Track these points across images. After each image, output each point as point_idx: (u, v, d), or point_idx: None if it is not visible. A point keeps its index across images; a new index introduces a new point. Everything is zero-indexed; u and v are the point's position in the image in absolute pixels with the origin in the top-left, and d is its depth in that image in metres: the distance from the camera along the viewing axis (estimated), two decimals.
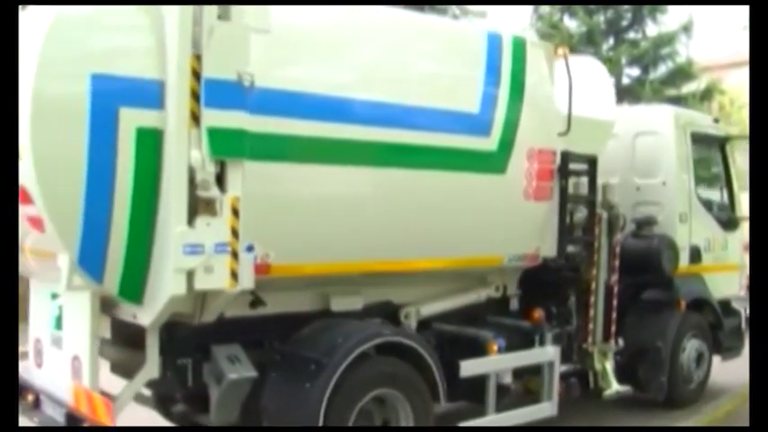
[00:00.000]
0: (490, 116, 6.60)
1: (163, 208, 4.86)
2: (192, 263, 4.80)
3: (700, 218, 9.06)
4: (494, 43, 6.78)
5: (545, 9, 22.76)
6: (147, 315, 5.07)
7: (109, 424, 4.92)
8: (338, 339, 5.71)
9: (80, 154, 4.67)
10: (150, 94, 4.84)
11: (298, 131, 5.50)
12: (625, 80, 22.27)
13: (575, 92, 7.18)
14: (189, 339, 5.59)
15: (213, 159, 4.86)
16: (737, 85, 26.36)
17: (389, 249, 6.15)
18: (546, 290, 7.63)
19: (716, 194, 9.74)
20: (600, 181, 7.74)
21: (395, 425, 6.01)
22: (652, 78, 22.19)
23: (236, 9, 4.91)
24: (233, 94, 4.90)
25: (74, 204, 4.69)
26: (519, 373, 7.08)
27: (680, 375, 8.68)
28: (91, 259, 4.80)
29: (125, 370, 5.76)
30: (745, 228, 9.58)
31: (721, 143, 9.73)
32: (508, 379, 6.91)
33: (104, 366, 5.75)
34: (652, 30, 22.80)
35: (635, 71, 22.84)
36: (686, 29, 22.19)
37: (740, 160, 9.69)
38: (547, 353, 7.18)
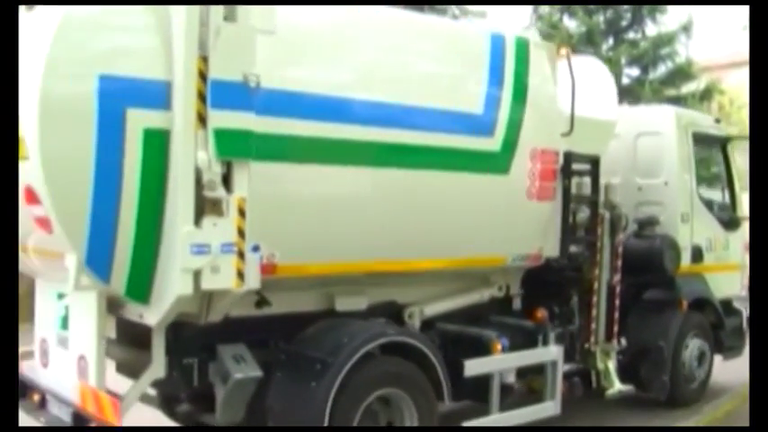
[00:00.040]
0: (493, 116, 6.63)
1: (170, 208, 4.88)
2: (199, 263, 4.82)
3: (701, 218, 9.09)
4: (497, 44, 6.81)
5: (544, 9, 22.75)
6: (153, 315, 5.09)
7: (116, 423, 4.94)
8: (343, 339, 5.73)
9: (88, 154, 4.69)
10: (157, 95, 4.86)
11: (303, 132, 5.53)
12: (624, 80, 22.24)
13: (577, 92, 7.21)
14: (195, 339, 5.61)
15: (219, 160, 4.88)
16: (737, 86, 26.40)
17: (393, 249, 6.17)
18: (548, 290, 7.66)
19: (717, 194, 9.78)
20: (602, 181, 7.77)
21: (399, 425, 6.03)
22: (651, 78, 22.18)
23: (242, 10, 4.92)
24: (239, 95, 4.92)
25: (81, 205, 4.71)
26: (522, 373, 7.11)
27: (682, 375, 8.71)
28: (98, 259, 4.82)
29: (130, 370, 5.78)
30: (746, 227, 9.60)
31: (723, 143, 9.76)
32: (512, 378, 6.93)
33: (110, 366, 5.75)
34: (651, 30, 22.82)
35: (634, 71, 22.84)
36: (686, 29, 22.19)
37: (740, 160, 9.71)
38: (550, 352, 7.21)
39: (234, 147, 4.93)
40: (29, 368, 6.14)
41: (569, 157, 7.24)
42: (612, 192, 8.00)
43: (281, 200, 5.46)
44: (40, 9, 5.24)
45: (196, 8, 4.82)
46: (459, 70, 6.66)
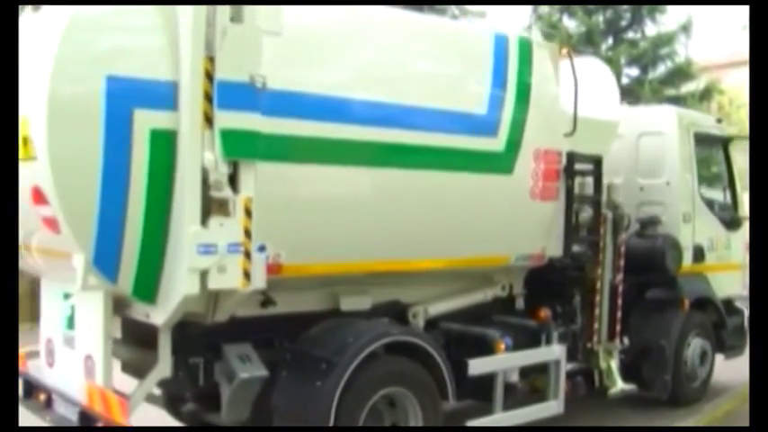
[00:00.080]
0: (497, 117, 6.66)
1: (176, 208, 4.90)
2: (206, 263, 4.84)
3: (703, 217, 9.12)
4: (500, 44, 6.84)
5: (544, 9, 22.77)
6: (160, 315, 5.11)
7: (124, 423, 4.96)
8: (349, 338, 5.75)
9: (95, 155, 4.70)
10: (164, 96, 4.88)
11: (308, 132, 5.54)
12: (624, 80, 22.25)
13: (580, 92, 7.23)
14: (200, 339, 5.63)
15: (226, 160, 4.91)
16: (736, 85, 26.44)
17: (398, 249, 6.19)
18: (551, 289, 7.69)
19: (719, 194, 9.79)
20: (605, 181, 7.79)
21: (404, 425, 6.06)
22: (651, 78, 22.20)
23: (248, 11, 4.94)
24: (245, 95, 4.95)
25: (89, 205, 4.72)
26: (525, 372, 7.13)
27: (684, 374, 8.73)
28: (105, 259, 4.84)
29: (136, 369, 5.80)
30: (747, 227, 9.63)
31: (724, 143, 9.79)
32: (515, 377, 6.96)
33: (115, 366, 5.75)
34: (651, 30, 22.85)
35: (634, 71, 22.86)
36: (685, 29, 22.21)
37: (740, 160, 9.74)
38: (553, 351, 7.23)
39: (240, 147, 4.96)
40: (34, 368, 6.16)
41: (572, 158, 7.26)
42: (615, 192, 8.04)
43: (287, 200, 5.48)
44: (46, 9, 5.27)
45: (203, 8, 4.84)
46: (463, 71, 6.67)
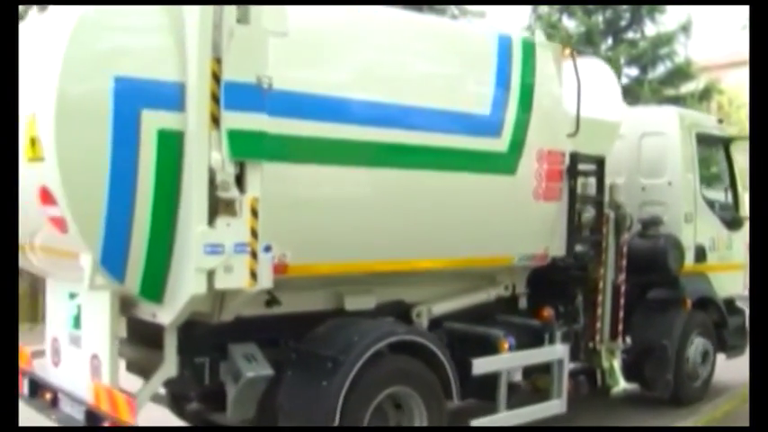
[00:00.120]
0: (501, 117, 6.68)
1: (184, 208, 4.92)
2: (213, 262, 4.86)
3: (705, 217, 9.15)
4: (504, 46, 6.86)
5: (544, 9, 22.78)
6: (167, 314, 5.13)
7: (132, 422, 4.97)
8: (354, 337, 5.77)
9: (103, 155, 4.72)
10: (171, 97, 4.89)
11: (314, 133, 5.57)
12: (624, 80, 22.26)
13: (582, 93, 7.26)
14: (206, 338, 5.65)
15: (233, 161, 4.92)
16: (736, 85, 26.49)
17: (402, 249, 6.22)
18: (554, 289, 7.71)
19: (720, 194, 9.83)
20: (607, 181, 7.82)
21: (408, 425, 6.09)
22: (651, 78, 22.22)
23: (254, 12, 4.96)
24: (252, 96, 4.96)
25: (97, 205, 4.74)
26: (527, 372, 7.16)
27: (685, 373, 8.77)
28: (113, 259, 4.86)
29: (141, 369, 5.83)
30: (748, 227, 9.66)
31: (725, 144, 9.82)
32: (518, 377, 7.00)
33: (120, 365, 5.79)
34: (651, 30, 22.87)
35: (633, 71, 22.88)
36: (685, 29, 22.23)
37: (741, 160, 9.77)
38: (556, 351, 7.27)
39: (247, 147, 4.98)
40: (40, 367, 6.18)
41: (575, 158, 7.29)
42: (617, 192, 8.07)
43: (292, 200, 5.50)
44: (53, 9, 5.29)
45: (210, 8, 4.86)
46: (467, 72, 6.70)
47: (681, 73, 22.44)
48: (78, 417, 5.49)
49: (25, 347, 6.33)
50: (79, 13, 4.77)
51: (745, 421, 6.03)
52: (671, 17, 23.14)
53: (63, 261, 5.26)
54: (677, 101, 20.27)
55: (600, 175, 7.69)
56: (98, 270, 4.86)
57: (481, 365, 6.54)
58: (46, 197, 4.86)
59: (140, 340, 5.80)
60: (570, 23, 22.75)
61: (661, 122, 9.05)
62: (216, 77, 4.89)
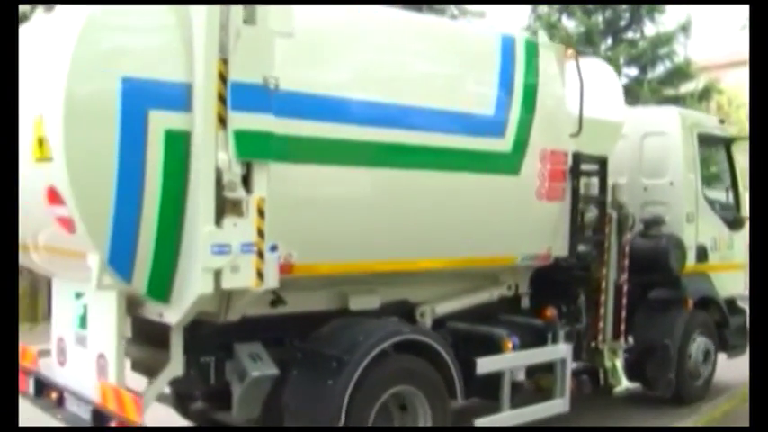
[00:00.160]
0: (504, 118, 6.70)
1: (191, 209, 4.93)
2: (220, 262, 4.87)
3: (706, 217, 9.18)
4: (507, 46, 6.88)
5: (543, 9, 22.82)
6: (173, 314, 5.14)
7: (139, 421, 4.98)
8: (359, 337, 5.79)
9: (111, 155, 4.73)
10: (178, 97, 4.91)
11: (319, 133, 5.58)
12: (623, 80, 22.30)
13: (585, 93, 7.28)
14: (212, 338, 5.67)
15: (239, 161, 4.94)
16: (735, 85, 26.53)
17: (407, 249, 6.24)
18: (556, 289, 7.74)
19: (721, 194, 9.85)
20: (609, 181, 7.84)
21: (413, 425, 6.11)
22: (650, 78, 22.27)
23: (261, 12, 4.98)
24: (259, 97, 4.98)
25: (105, 205, 4.75)
26: (530, 371, 7.18)
27: (687, 372, 8.81)
28: (120, 259, 4.87)
29: (147, 368, 5.83)
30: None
31: (727, 144, 9.86)
32: (521, 376, 7.02)
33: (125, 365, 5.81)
34: (650, 30, 22.95)
35: (633, 71, 22.94)
36: (684, 29, 22.29)
37: (741, 160, 9.80)
38: (559, 350, 7.29)
39: (253, 148, 4.99)
40: (45, 366, 6.19)
41: (578, 158, 7.31)
42: (619, 192, 8.10)
43: (298, 200, 5.52)
44: (60, 9, 5.30)
45: (216, 8, 4.87)
46: (470, 72, 6.72)
47: (680, 73, 22.50)
48: (85, 416, 5.50)
49: (31, 347, 6.35)
50: (87, 14, 4.78)
51: (745, 421, 6.05)
52: (670, 17, 23.21)
53: (69, 261, 5.27)
54: (677, 101, 20.31)
55: (603, 175, 7.72)
56: (105, 270, 4.88)
57: (485, 365, 6.56)
58: (54, 197, 4.88)
59: (146, 340, 5.81)
60: (570, 23, 22.80)
61: (663, 123, 9.08)
62: (223, 78, 4.91)
